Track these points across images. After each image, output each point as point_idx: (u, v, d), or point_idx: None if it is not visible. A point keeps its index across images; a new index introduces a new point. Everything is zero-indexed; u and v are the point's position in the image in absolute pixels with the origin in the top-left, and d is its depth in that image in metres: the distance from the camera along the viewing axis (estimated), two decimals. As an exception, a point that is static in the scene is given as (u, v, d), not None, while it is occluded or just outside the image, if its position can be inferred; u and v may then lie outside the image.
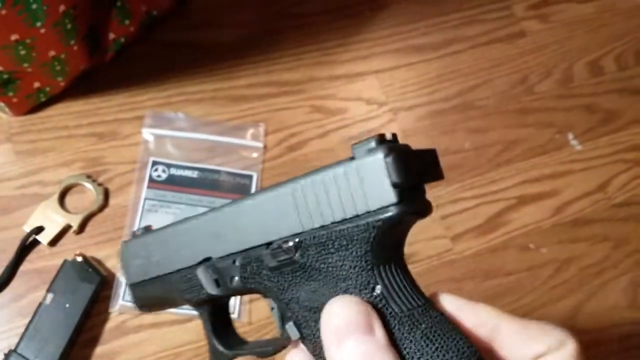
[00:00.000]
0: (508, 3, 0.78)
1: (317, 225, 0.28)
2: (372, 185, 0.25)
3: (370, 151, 0.26)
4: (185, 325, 0.57)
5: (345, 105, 0.69)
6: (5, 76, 0.58)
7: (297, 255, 0.28)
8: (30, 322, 0.54)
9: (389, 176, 0.25)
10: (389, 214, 0.25)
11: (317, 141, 0.67)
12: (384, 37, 0.74)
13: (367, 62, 0.72)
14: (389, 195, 0.25)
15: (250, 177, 0.63)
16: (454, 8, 0.77)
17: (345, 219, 0.27)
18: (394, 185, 0.25)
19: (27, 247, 0.58)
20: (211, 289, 0.34)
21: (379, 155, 0.25)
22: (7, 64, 0.56)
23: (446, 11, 0.76)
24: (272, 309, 0.32)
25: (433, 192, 0.66)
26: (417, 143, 0.73)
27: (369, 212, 0.26)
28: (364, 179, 0.26)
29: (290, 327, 0.30)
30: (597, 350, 0.63)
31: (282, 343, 0.31)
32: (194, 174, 0.62)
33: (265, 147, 0.65)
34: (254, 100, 0.68)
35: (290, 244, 0.29)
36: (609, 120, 0.74)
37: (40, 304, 0.54)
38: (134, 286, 0.39)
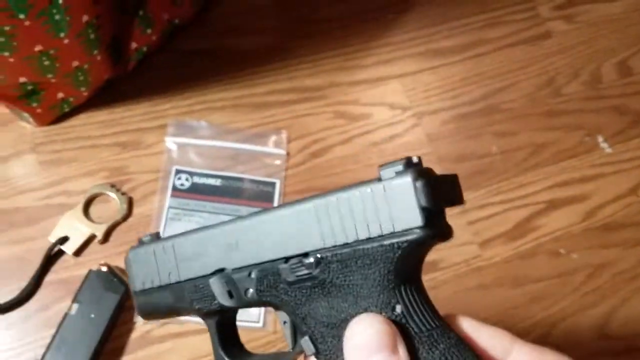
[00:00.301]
0: (533, 4, 0.77)
1: (339, 243, 0.28)
2: (399, 207, 0.26)
3: (399, 174, 0.26)
4: (205, 335, 0.57)
5: (369, 111, 0.68)
6: (30, 87, 0.58)
7: (317, 271, 0.29)
8: (56, 332, 0.54)
9: (417, 200, 0.25)
10: (415, 236, 0.26)
11: (340, 147, 0.66)
12: (406, 41, 0.73)
13: (390, 66, 0.71)
14: (416, 218, 0.26)
15: (273, 184, 0.63)
16: (477, 10, 0.76)
17: (370, 238, 0.27)
18: (422, 209, 0.25)
19: (52, 257, 0.58)
20: (224, 300, 0.33)
21: (408, 179, 0.26)
22: (31, 75, 0.57)
23: (469, 13, 0.75)
24: (284, 322, 0.32)
25: (459, 197, 0.65)
26: (442, 148, 0.72)
27: (393, 233, 0.26)
28: (391, 201, 0.26)
29: (305, 341, 0.30)
30: (631, 358, 0.61)
31: (290, 357, 0.31)
32: (217, 182, 0.62)
33: (288, 154, 0.65)
34: (276, 107, 0.67)
35: (311, 259, 0.29)
36: (639, 122, 0.72)
37: (65, 314, 0.54)
38: (138, 293, 0.38)
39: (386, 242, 0.26)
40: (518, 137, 0.69)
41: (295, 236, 0.29)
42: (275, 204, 0.62)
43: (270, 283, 0.31)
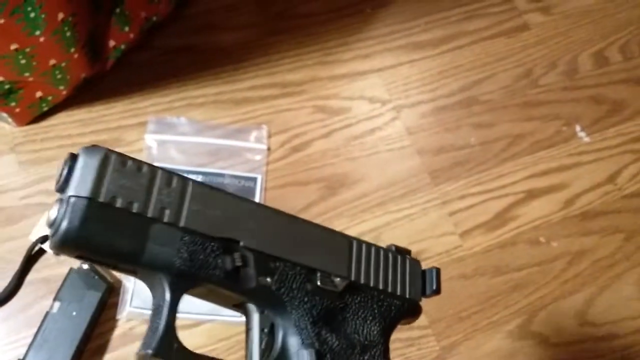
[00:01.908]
0: (509, -4, 0.78)
1: (362, 282, 0.34)
2: (413, 283, 0.36)
3: (416, 261, 0.37)
4: (193, 330, 0.57)
5: (349, 105, 0.69)
6: (7, 86, 0.58)
7: (342, 291, 0.33)
8: (38, 331, 0.54)
9: (424, 285, 0.37)
10: (413, 304, 0.36)
11: (321, 141, 0.66)
12: (385, 35, 0.73)
13: (369, 60, 0.72)
14: (418, 295, 0.36)
15: (254, 179, 0.63)
16: (454, 3, 0.77)
17: (387, 292, 0.35)
18: (423, 292, 0.36)
19: (33, 256, 0.58)
20: (220, 273, 0.30)
21: (420, 269, 0.37)
22: (8, 74, 0.56)
23: (446, 7, 0.76)
24: (263, 330, 0.32)
25: (440, 188, 0.66)
26: (421, 140, 0.73)
27: (403, 297, 0.36)
28: (409, 276, 0.36)
29: (309, 353, 0.31)
30: (611, 344, 0.62)
31: None
32: (199, 178, 0.62)
33: (269, 149, 0.65)
34: (257, 102, 0.68)
35: (339, 280, 0.33)
36: (616, 111, 0.73)
37: (47, 313, 0.54)
38: (93, 206, 0.27)
39: (397, 301, 0.35)
40: (496, 128, 0.70)
41: (328, 256, 0.34)
42: (257, 199, 0.62)
43: (291, 282, 0.32)
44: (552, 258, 0.65)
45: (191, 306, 0.57)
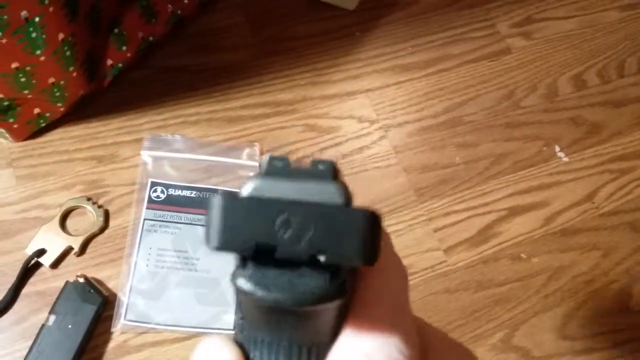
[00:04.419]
0: (492, 22, 0.81)
1: None
2: None
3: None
4: (185, 343, 0.58)
5: (338, 124, 0.71)
6: (6, 103, 0.60)
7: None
8: (33, 344, 0.55)
9: None
10: None
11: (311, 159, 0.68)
12: (373, 57, 0.76)
13: (358, 81, 0.74)
14: None
15: (246, 195, 0.65)
16: (440, 28, 0.79)
17: None
18: None
19: (29, 269, 0.59)
20: None
21: None
22: (8, 92, 0.58)
23: (432, 31, 0.79)
24: None
25: (426, 205, 0.68)
26: (408, 159, 0.75)
27: None
28: None
29: None
30: (589, 357, 0.64)
31: None
32: (192, 194, 0.64)
33: (260, 166, 0.67)
34: (249, 120, 0.70)
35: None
36: (593, 133, 0.76)
37: (42, 326, 0.55)
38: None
39: None
40: (480, 148, 0.72)
41: None
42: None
43: None
44: (533, 273, 0.67)
45: (183, 320, 0.58)
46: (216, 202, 0.20)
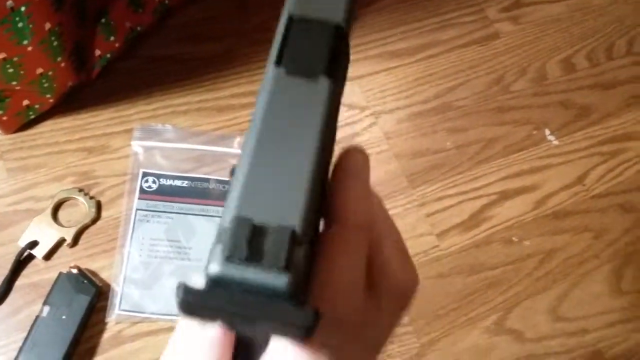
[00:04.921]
0: (480, 7, 0.81)
1: None
2: None
3: None
4: (181, 332, 0.58)
5: (328, 111, 0.71)
6: (-6, 95, 0.59)
7: None
8: (28, 335, 0.55)
9: None
10: None
11: (302, 147, 0.68)
12: (363, 44, 0.76)
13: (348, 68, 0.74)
14: None
15: (238, 184, 0.65)
16: (429, 14, 0.79)
17: None
18: None
19: (22, 261, 0.59)
20: None
21: None
22: (-4, 83, 0.58)
23: (421, 17, 0.79)
24: None
25: (418, 190, 0.68)
26: (399, 145, 0.75)
27: None
28: None
29: None
30: (583, 338, 0.65)
31: None
32: (184, 184, 0.64)
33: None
34: (239, 109, 0.69)
35: None
36: (583, 115, 0.76)
37: (37, 317, 0.55)
38: None
39: None
40: (470, 133, 0.73)
41: None
42: (241, 203, 0.64)
43: None
44: (525, 256, 0.67)
45: (176, 308, 0.58)
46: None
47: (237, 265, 0.19)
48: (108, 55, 0.66)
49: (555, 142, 0.74)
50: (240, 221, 0.20)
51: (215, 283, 0.19)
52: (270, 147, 0.21)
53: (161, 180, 0.63)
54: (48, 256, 0.59)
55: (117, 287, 0.58)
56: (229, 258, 0.19)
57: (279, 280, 0.19)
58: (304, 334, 0.19)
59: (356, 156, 0.25)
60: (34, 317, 0.55)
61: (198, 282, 0.20)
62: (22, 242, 0.59)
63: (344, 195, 0.24)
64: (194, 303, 0.19)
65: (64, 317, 0.56)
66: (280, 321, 0.19)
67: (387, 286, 0.25)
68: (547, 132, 0.75)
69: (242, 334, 0.24)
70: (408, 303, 0.26)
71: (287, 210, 0.20)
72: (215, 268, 0.19)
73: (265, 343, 0.24)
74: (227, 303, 0.19)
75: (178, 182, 0.64)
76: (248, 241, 0.19)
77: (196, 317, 0.20)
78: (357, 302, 0.23)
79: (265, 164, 0.21)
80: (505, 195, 0.70)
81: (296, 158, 0.21)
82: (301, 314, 0.19)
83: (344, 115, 0.71)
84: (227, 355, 0.23)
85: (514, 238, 0.68)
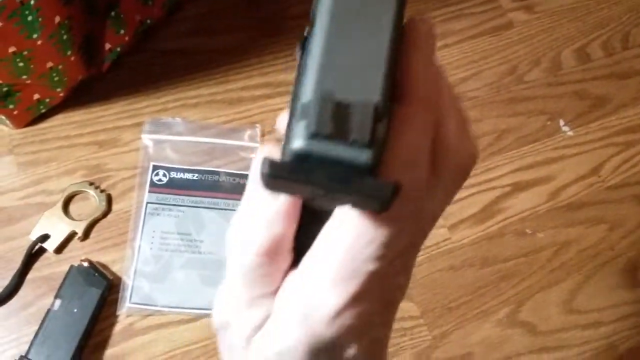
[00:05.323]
0: (494, -4, 0.80)
1: None
2: None
3: None
4: (191, 325, 0.58)
5: (339, 103, 0.70)
6: (5, 89, 0.59)
7: None
8: (40, 328, 0.55)
9: None
10: None
11: (313, 139, 0.68)
12: (373, 35, 0.75)
13: (359, 59, 0.73)
14: None
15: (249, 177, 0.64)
16: (441, 4, 0.78)
17: None
18: None
19: (33, 255, 0.59)
20: None
21: None
22: (6, 77, 0.58)
23: (433, 7, 0.78)
24: None
25: (429, 183, 0.67)
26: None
27: None
28: None
29: None
30: (597, 331, 0.64)
31: None
32: (194, 177, 0.64)
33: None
34: (250, 102, 0.69)
35: None
36: (598, 106, 0.75)
37: (48, 310, 0.56)
38: None
39: None
40: (483, 124, 0.72)
41: None
42: (252, 195, 0.64)
43: None
44: (539, 248, 0.67)
45: (188, 301, 0.58)
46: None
47: (322, 141, 0.19)
48: (118, 49, 0.66)
49: (570, 133, 0.73)
50: (323, 96, 0.19)
51: (300, 158, 0.20)
52: (346, 22, 0.21)
53: (171, 173, 0.63)
54: (59, 250, 0.59)
55: (128, 280, 0.58)
56: (314, 134, 0.19)
57: (363, 155, 0.19)
58: (383, 207, 0.20)
59: (419, 27, 0.24)
60: (45, 311, 0.56)
61: (275, 157, 0.20)
62: (34, 236, 0.59)
63: (407, 69, 0.23)
64: (279, 177, 0.20)
65: (75, 310, 0.56)
66: (362, 194, 0.19)
67: (448, 164, 0.24)
68: (562, 122, 0.73)
69: (312, 207, 0.25)
70: (466, 178, 0.26)
71: (368, 85, 0.20)
72: (300, 143, 0.19)
73: (327, 214, 0.24)
74: (310, 177, 0.19)
75: (188, 175, 0.63)
76: (332, 117, 0.19)
77: (277, 191, 0.21)
78: (421, 178, 0.23)
79: (342, 36, 0.21)
80: (518, 187, 0.69)
81: (374, 31, 0.21)
82: (382, 187, 0.19)
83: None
84: (293, 226, 0.25)
85: (527, 230, 0.67)
